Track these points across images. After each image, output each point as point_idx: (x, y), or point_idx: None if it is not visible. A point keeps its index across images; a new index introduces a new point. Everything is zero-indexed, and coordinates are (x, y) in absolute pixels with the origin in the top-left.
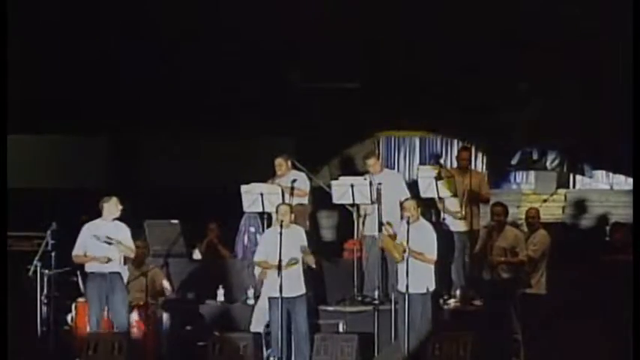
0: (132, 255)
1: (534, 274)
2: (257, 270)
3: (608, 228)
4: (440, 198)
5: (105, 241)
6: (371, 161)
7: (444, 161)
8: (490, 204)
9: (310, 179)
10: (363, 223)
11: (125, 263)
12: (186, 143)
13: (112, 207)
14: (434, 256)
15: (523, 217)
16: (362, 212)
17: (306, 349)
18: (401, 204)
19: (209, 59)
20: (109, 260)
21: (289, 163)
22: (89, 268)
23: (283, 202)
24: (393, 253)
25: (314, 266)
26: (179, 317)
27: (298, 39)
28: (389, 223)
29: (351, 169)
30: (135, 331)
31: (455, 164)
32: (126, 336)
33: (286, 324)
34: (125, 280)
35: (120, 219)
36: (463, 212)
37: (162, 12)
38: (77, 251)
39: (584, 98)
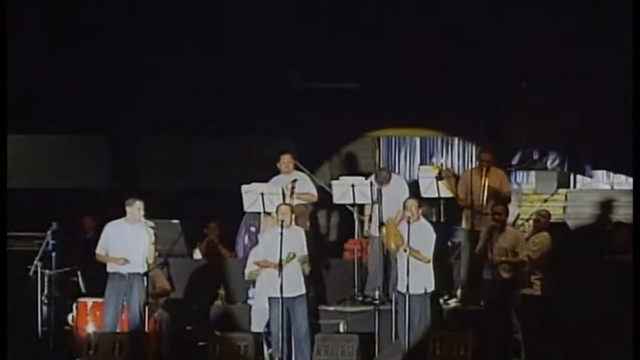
0: (151, 260)
1: (532, 276)
2: (247, 270)
3: (608, 228)
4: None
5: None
6: (384, 173)
7: (445, 161)
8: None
9: (312, 180)
10: (369, 223)
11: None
12: (186, 143)
13: (134, 211)
14: (429, 255)
15: (525, 216)
16: (367, 212)
17: (307, 349)
18: (403, 203)
19: (209, 59)
20: (125, 262)
21: (294, 162)
22: (110, 268)
23: (284, 203)
24: (390, 242)
25: (307, 273)
26: (179, 317)
27: (298, 38)
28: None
29: (351, 168)
30: None
31: (475, 164)
32: (126, 336)
33: (286, 324)
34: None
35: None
36: (486, 210)
37: (163, 12)
38: (100, 250)
39: (584, 98)
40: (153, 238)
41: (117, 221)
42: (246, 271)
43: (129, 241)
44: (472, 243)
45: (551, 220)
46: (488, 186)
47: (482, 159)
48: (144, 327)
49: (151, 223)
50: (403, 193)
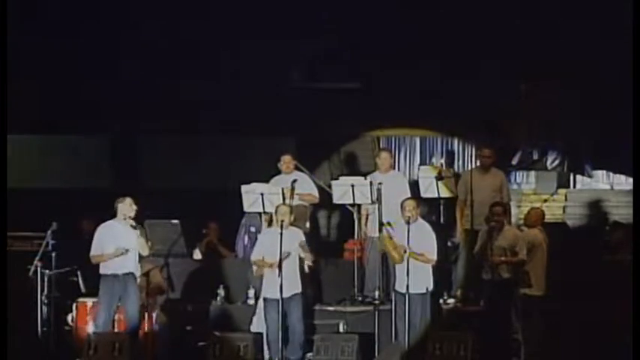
0: (146, 252)
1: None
2: (254, 268)
3: (608, 228)
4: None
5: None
6: (384, 154)
7: (444, 161)
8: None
9: (313, 181)
10: (366, 223)
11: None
12: (186, 143)
13: (126, 207)
14: (434, 256)
15: (523, 216)
16: (364, 212)
17: (301, 349)
18: (401, 204)
19: (208, 59)
20: (126, 251)
21: (295, 163)
22: (103, 270)
23: (283, 203)
24: (393, 254)
25: (311, 264)
26: (179, 317)
27: (298, 38)
28: (389, 223)
29: (351, 168)
30: None
31: (476, 163)
32: (126, 336)
33: (282, 324)
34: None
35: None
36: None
37: (161, 12)
38: (94, 252)
39: (584, 98)
40: (139, 232)
41: (108, 222)
42: (254, 268)
43: (121, 241)
44: (471, 243)
45: (551, 221)
46: (490, 184)
47: (483, 155)
48: (142, 327)
49: (132, 222)
50: (403, 190)
